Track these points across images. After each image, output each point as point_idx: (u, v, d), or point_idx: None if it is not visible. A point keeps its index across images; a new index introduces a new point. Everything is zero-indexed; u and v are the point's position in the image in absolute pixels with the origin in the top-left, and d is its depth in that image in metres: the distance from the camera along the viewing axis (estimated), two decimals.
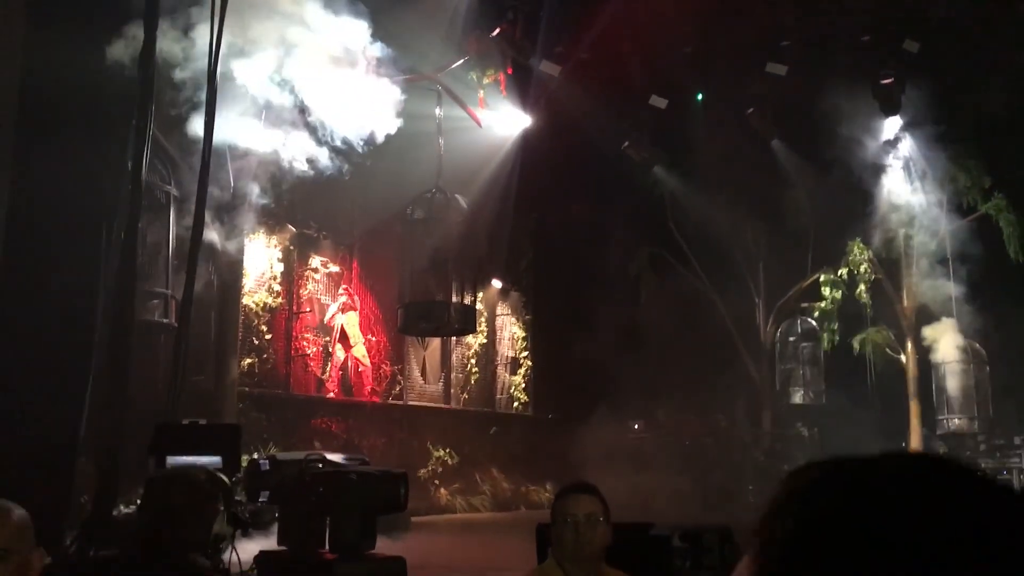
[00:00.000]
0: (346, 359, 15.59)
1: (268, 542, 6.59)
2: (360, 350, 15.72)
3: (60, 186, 7.73)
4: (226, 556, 5.33)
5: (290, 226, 14.89)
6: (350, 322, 15.71)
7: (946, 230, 18.93)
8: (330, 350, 15.40)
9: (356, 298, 16.05)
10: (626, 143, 19.46)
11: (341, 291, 15.83)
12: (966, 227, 18.77)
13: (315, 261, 15.58)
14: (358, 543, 5.94)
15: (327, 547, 6.11)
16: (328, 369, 15.36)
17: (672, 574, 4.74)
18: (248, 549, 6.04)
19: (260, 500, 6.25)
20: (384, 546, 6.67)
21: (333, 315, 15.56)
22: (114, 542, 6.28)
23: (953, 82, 17.33)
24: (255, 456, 6.76)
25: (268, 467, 6.18)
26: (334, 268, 15.90)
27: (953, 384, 19.09)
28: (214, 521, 2.73)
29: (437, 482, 16.41)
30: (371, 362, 16.15)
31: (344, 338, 15.56)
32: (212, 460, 5.05)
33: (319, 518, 6.03)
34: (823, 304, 19.74)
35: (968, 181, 18.63)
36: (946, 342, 18.76)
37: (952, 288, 18.34)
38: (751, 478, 19.36)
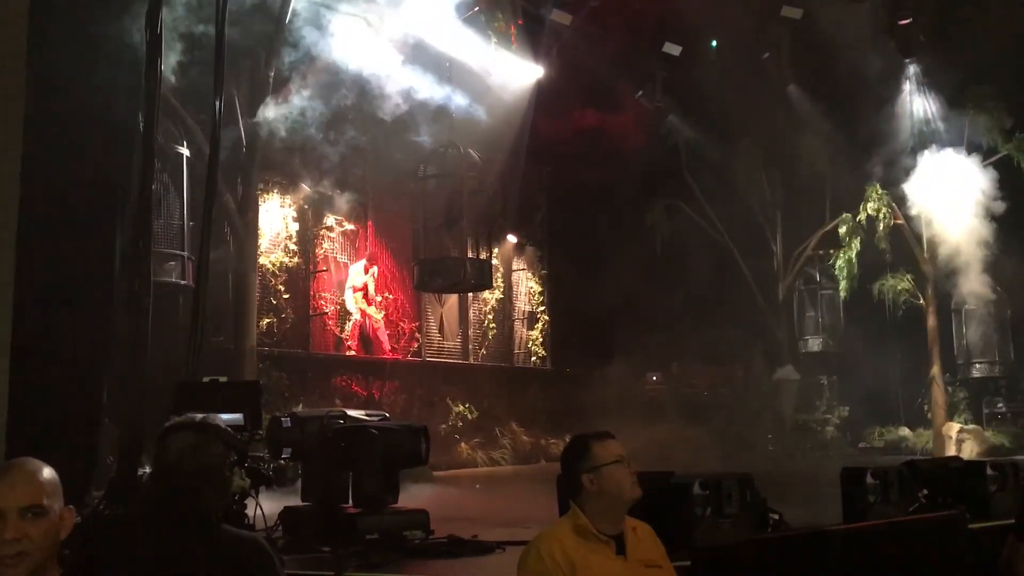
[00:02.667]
0: (364, 317, 15.64)
1: (291, 499, 6.67)
2: (373, 309, 15.78)
3: (73, 150, 7.72)
4: (250, 511, 5.41)
5: (304, 185, 14.85)
6: (371, 281, 15.74)
7: (967, 172, 18.63)
8: (353, 307, 15.42)
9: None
10: (640, 92, 19.25)
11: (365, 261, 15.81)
12: (987, 168, 18.47)
13: (330, 220, 15.57)
14: (381, 497, 6.02)
15: (350, 501, 6.18)
16: (348, 327, 15.42)
17: (693, 521, 4.77)
18: (271, 505, 6.12)
19: (283, 457, 6.32)
20: (407, 499, 6.74)
21: (360, 274, 15.58)
22: (140, 501, 6.37)
23: (971, 22, 16.96)
24: (276, 414, 6.82)
25: (290, 424, 6.25)
26: (349, 227, 15.88)
27: (974, 329, 18.98)
28: (229, 474, 2.73)
29: (457, 436, 16.53)
30: (390, 319, 16.20)
31: (366, 296, 15.61)
32: (233, 417, 5.09)
33: (342, 473, 6.10)
34: (842, 251, 19.57)
35: (988, 122, 18.32)
36: (967, 286, 18.57)
37: (975, 230, 18.07)
38: (769, 428, 19.41)
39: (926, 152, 18.44)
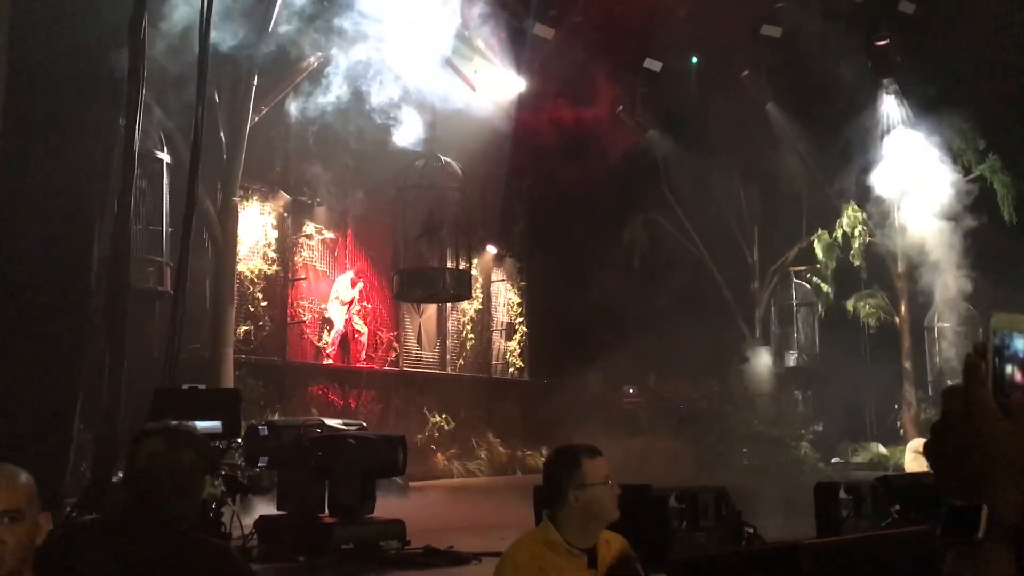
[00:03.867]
0: (346, 327, 15.61)
1: (266, 507, 6.64)
2: (360, 323, 15.80)
3: (52, 155, 7.67)
4: (226, 519, 5.38)
5: (284, 193, 14.82)
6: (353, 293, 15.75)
7: (941, 192, 18.90)
8: (338, 318, 15.43)
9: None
10: (620, 107, 19.39)
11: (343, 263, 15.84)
12: (961, 189, 18.73)
13: (309, 228, 15.54)
14: (357, 506, 6.00)
15: (326, 511, 6.17)
16: (329, 336, 15.38)
17: (669, 533, 4.80)
18: (248, 514, 6.09)
19: (259, 465, 6.30)
20: (383, 510, 6.72)
21: (347, 288, 15.60)
22: (113, 508, 6.32)
23: (948, 44, 17.23)
24: (253, 422, 6.78)
25: (267, 432, 6.23)
26: (329, 235, 15.86)
27: (946, 347, 19.19)
28: (200, 481, 2.73)
29: (434, 447, 16.49)
30: (367, 328, 16.18)
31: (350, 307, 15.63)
32: (211, 425, 5.07)
33: (318, 482, 6.09)
34: (818, 267, 19.79)
35: (963, 143, 18.60)
36: (940, 304, 18.82)
37: (946, 249, 18.31)
38: (744, 441, 19.50)
39: (896, 166, 18.70)
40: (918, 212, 18.58)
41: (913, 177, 18.67)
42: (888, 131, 19.01)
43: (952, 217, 18.29)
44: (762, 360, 20.70)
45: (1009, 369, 0.84)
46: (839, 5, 16.58)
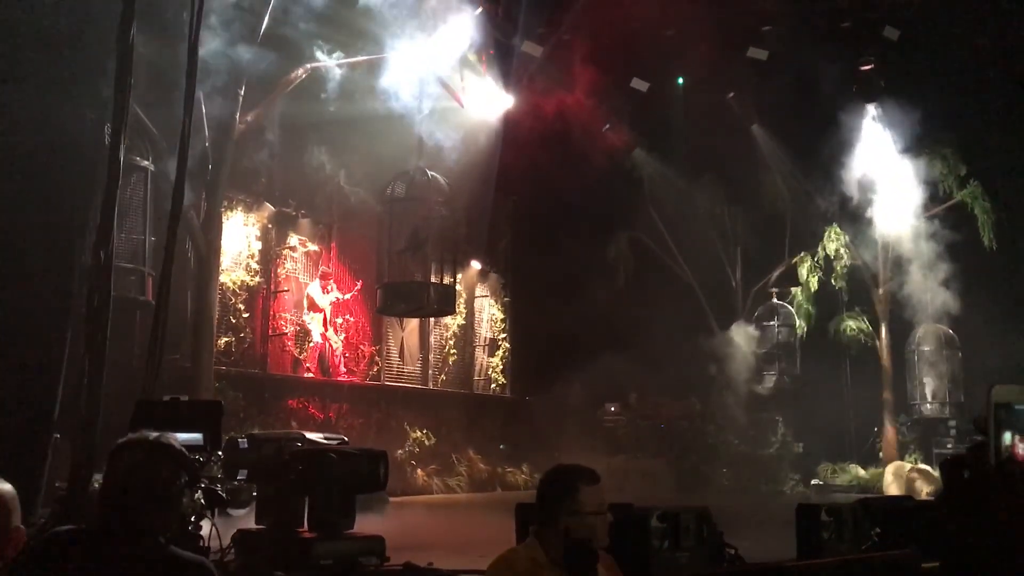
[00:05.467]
0: (324, 339, 15.54)
1: (244, 522, 6.56)
2: (333, 335, 15.74)
3: (35, 161, 7.62)
4: (205, 532, 5.31)
5: (268, 204, 14.77)
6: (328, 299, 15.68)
7: (922, 217, 19.10)
8: (319, 329, 15.37)
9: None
10: (606, 125, 19.49)
11: (323, 271, 15.78)
12: (941, 214, 18.94)
13: (293, 240, 15.49)
14: (337, 522, 5.94)
15: (306, 526, 6.10)
16: (306, 349, 15.29)
17: (650, 553, 4.78)
18: (223, 528, 6.02)
19: (238, 478, 6.22)
20: (362, 525, 6.66)
21: (318, 293, 15.52)
22: (90, 518, 6.24)
23: (931, 70, 17.45)
24: (232, 435, 6.72)
25: (247, 445, 6.15)
26: (312, 247, 15.81)
27: (926, 370, 19.32)
28: (179, 494, 2.69)
29: (414, 463, 16.41)
30: (349, 341, 16.11)
31: (326, 320, 15.56)
32: (193, 437, 5.01)
33: (298, 497, 6.02)
34: (799, 289, 19.92)
35: (944, 169, 18.79)
36: (920, 329, 18.98)
37: (927, 275, 18.49)
38: (725, 461, 19.53)
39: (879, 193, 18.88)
40: (899, 236, 18.76)
41: (893, 201, 18.87)
42: (870, 154, 19.18)
43: (932, 240, 18.48)
44: (744, 380, 20.74)
45: (1008, 438, 0.84)
46: (825, 29, 16.76)
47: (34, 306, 7.47)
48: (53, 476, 7.71)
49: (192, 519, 4.73)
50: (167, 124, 10.16)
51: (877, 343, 19.58)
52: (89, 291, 7.20)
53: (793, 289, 20.22)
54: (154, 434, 2.75)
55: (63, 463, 7.57)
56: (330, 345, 15.60)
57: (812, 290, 19.77)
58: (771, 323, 20.75)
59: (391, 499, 12.89)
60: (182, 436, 4.05)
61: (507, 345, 20.16)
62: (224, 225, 13.46)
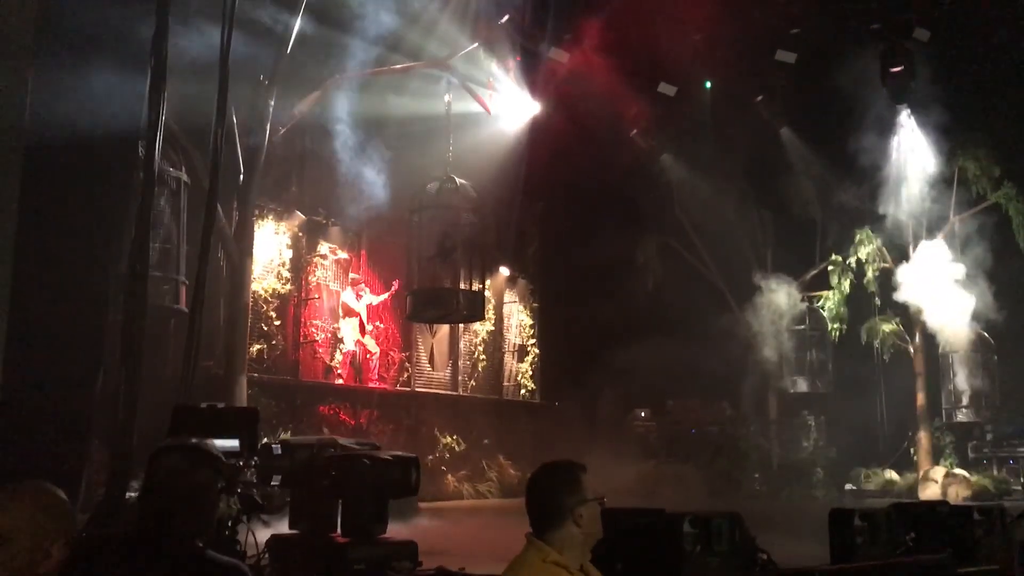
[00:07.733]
0: (359, 344, 15.65)
1: (277, 527, 6.63)
2: (370, 341, 15.85)
3: (73, 173, 7.76)
4: (241, 538, 5.38)
5: (299, 212, 14.91)
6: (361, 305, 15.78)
7: (955, 219, 18.89)
8: (353, 335, 15.49)
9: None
10: (634, 130, 19.46)
11: (352, 278, 15.89)
12: (975, 216, 18.71)
13: (324, 248, 15.61)
14: (370, 527, 5.99)
15: (339, 531, 6.15)
16: (339, 356, 15.41)
17: (682, 558, 4.77)
18: (259, 533, 6.09)
19: (272, 484, 6.29)
20: (394, 531, 6.71)
21: (352, 300, 15.64)
22: (128, 524, 6.34)
23: (963, 71, 17.25)
24: (266, 441, 6.80)
25: (281, 451, 6.22)
26: (343, 255, 15.93)
27: (961, 373, 19.07)
28: (216, 499, 2.74)
29: (444, 468, 16.46)
30: (379, 349, 16.21)
31: (362, 324, 15.67)
32: (229, 443, 5.09)
33: (331, 502, 6.08)
34: (831, 293, 19.75)
35: (977, 170, 18.56)
36: (955, 332, 18.71)
37: (961, 277, 18.26)
38: (756, 466, 19.39)
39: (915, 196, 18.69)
40: (932, 241, 18.56)
41: (926, 204, 18.68)
42: (902, 157, 19.01)
43: (965, 243, 18.27)
44: (775, 385, 20.60)
45: None
46: (854, 31, 16.63)
47: (71, 315, 7.60)
48: (91, 481, 7.84)
49: (229, 524, 4.80)
50: (200, 134, 10.31)
51: (910, 346, 19.36)
52: (125, 300, 7.32)
53: (825, 293, 20.04)
54: (193, 439, 2.80)
55: (100, 469, 7.70)
56: (366, 349, 15.71)
57: (844, 293, 19.59)
58: (802, 327, 20.60)
59: (421, 504, 12.94)
60: (219, 442, 4.12)
61: (536, 351, 20.17)
62: (256, 233, 13.62)
